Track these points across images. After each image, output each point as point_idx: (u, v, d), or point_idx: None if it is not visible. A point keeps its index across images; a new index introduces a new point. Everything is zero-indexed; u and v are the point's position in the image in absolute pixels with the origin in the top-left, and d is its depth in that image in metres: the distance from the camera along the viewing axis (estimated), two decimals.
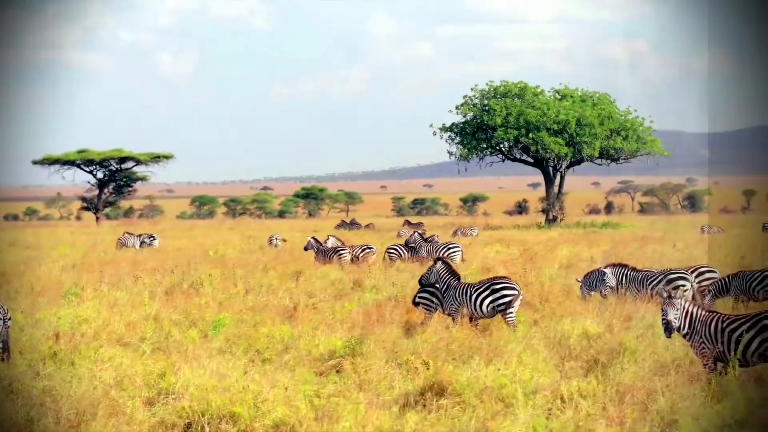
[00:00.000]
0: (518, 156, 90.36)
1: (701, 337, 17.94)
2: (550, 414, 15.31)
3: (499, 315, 24.60)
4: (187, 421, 15.13)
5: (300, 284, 34.84)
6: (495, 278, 25.48)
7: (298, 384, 17.13)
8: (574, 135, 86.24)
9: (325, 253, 44.59)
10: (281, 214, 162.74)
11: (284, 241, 57.88)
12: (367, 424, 14.29)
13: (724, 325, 17.86)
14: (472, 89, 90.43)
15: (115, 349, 20.52)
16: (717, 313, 18.25)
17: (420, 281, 26.09)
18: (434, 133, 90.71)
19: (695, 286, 27.34)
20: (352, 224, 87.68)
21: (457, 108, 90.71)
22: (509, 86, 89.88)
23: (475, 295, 24.73)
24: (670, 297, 18.07)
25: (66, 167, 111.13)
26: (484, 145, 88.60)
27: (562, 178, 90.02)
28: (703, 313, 18.14)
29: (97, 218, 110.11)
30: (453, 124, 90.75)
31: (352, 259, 44.28)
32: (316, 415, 15.03)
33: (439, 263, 25.82)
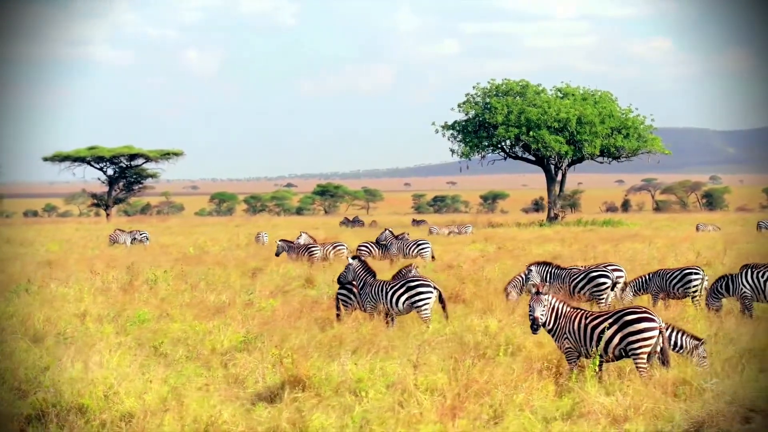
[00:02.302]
0: (520, 154, 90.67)
1: (566, 332, 18.35)
2: (398, 406, 15.74)
3: (414, 311, 25.09)
4: (39, 412, 15.66)
5: (256, 280, 35.45)
6: (411, 276, 26.01)
7: (171, 377, 17.66)
8: (575, 133, 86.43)
9: (297, 251, 45.11)
10: (299, 211, 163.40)
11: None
12: (188, 415, 14.81)
13: (588, 321, 18.26)
14: (474, 87, 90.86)
15: (17, 343, 21.04)
16: (581, 309, 18.66)
17: (338, 279, 26.60)
18: (436, 131, 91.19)
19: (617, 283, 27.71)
20: (355, 221, 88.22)
21: (459, 106, 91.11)
22: (511, 84, 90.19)
23: (390, 292, 25.22)
24: (538, 293, 18.46)
25: (76, 164, 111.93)
26: (486, 143, 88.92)
27: (563, 176, 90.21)
28: (568, 309, 18.55)
29: (108, 215, 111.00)
30: (455, 122, 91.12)
31: (323, 257, 44.80)
32: (161, 406, 15.55)
33: (355, 261, 26.30)
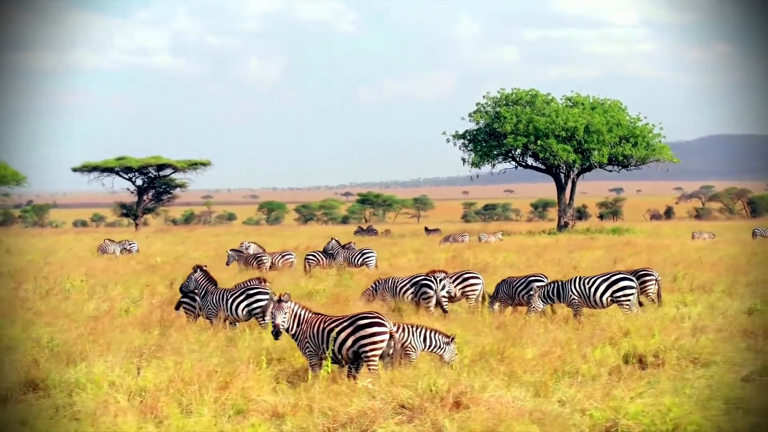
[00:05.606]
0: (530, 163, 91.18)
1: (306, 336, 19.39)
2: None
3: (254, 318, 26.22)
4: None
5: (172, 289, 36.80)
6: (251, 284, 27.16)
7: None
8: (582, 142, 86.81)
9: (246, 260, 46.33)
10: (344, 220, 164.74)
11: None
12: None
13: (326, 325, 19.30)
14: (484, 97, 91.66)
15: None
16: (322, 315, 19.68)
17: (180, 289, 27.80)
18: (447, 140, 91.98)
19: (453, 289, 28.59)
20: (369, 231, 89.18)
21: (470, 115, 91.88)
22: (520, 94, 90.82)
23: (231, 299, 26.37)
24: (279, 301, 19.52)
25: (105, 174, 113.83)
26: (496, 152, 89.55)
27: (573, 184, 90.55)
28: (309, 314, 19.59)
29: (137, 225, 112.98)
30: (466, 131, 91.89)
31: (271, 266, 45.98)
32: None
33: (198, 272, 27.49)
